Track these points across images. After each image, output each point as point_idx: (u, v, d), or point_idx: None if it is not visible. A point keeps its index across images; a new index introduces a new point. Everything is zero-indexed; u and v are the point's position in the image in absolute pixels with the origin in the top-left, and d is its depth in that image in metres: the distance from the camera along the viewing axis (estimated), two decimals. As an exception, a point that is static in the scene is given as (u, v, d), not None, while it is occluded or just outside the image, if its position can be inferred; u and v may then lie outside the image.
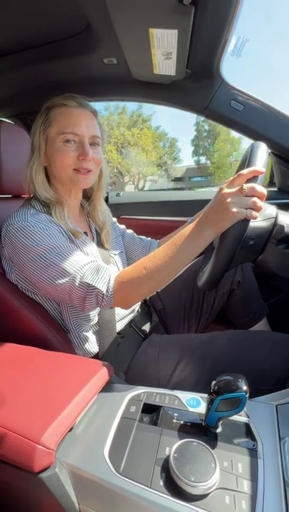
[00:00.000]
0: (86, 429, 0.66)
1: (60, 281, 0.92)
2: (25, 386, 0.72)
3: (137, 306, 1.31)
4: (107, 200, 2.25)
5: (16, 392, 0.70)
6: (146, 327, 1.25)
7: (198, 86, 1.40)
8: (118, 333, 1.14)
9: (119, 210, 2.15)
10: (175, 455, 0.54)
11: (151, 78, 1.36)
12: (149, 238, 1.45)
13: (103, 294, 0.90)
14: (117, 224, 1.44)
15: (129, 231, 1.45)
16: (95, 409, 0.71)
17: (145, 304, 1.42)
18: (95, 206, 1.25)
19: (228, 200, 0.77)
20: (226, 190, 0.79)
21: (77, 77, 1.44)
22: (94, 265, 0.94)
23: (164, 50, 1.06)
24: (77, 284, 0.91)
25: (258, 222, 0.87)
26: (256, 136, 1.45)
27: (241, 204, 0.76)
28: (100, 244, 1.22)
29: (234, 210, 0.76)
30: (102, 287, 0.90)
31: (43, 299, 1.07)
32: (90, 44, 1.16)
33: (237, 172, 0.91)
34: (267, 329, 1.44)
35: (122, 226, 1.45)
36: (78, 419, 0.66)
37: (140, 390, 0.75)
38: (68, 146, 1.03)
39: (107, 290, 0.90)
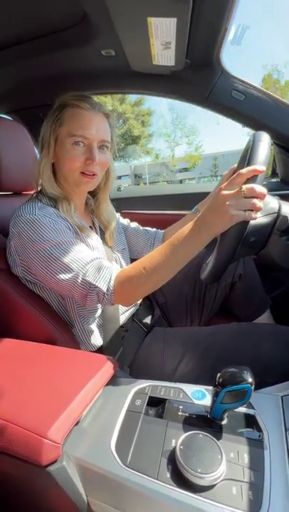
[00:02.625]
0: (92, 422, 0.67)
1: (62, 277, 0.93)
2: (31, 381, 0.73)
3: (139, 300, 1.32)
4: None
5: (22, 387, 0.71)
6: (149, 321, 1.26)
7: (198, 76, 1.39)
8: (121, 327, 1.16)
9: (120, 204, 2.15)
10: (181, 447, 0.55)
11: (150, 69, 1.36)
12: (154, 229, 1.45)
13: (104, 293, 0.92)
14: (121, 219, 1.45)
15: (133, 224, 1.46)
16: (101, 403, 0.72)
17: (147, 298, 1.43)
18: (100, 205, 1.26)
19: (227, 202, 0.76)
20: (225, 192, 0.78)
21: (75, 70, 1.43)
22: (96, 263, 0.95)
23: (162, 40, 1.05)
24: (79, 282, 0.92)
25: (259, 218, 0.87)
26: (258, 126, 1.44)
27: (240, 206, 0.76)
28: (104, 240, 1.23)
29: (232, 213, 0.76)
30: (103, 286, 0.92)
31: (48, 292, 1.08)
32: (87, 36, 1.16)
33: (238, 166, 0.91)
34: (270, 322, 1.45)
35: (126, 220, 1.46)
36: (84, 413, 0.67)
37: (145, 384, 0.76)
38: (77, 148, 1.04)
39: (107, 289, 0.92)
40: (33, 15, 1.07)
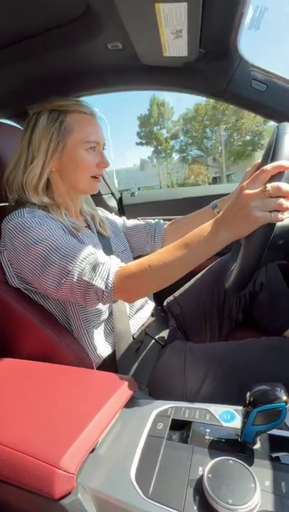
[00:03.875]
0: (110, 449, 0.66)
1: (61, 280, 0.95)
2: (40, 405, 0.73)
3: (150, 309, 1.34)
4: (121, 201, 2.26)
5: (31, 412, 0.71)
6: (164, 334, 1.26)
7: (214, 67, 1.38)
8: (134, 339, 1.17)
9: (135, 211, 2.15)
10: (209, 475, 0.53)
11: (161, 62, 1.35)
12: (155, 220, 1.48)
13: (103, 291, 0.93)
14: (117, 218, 1.51)
15: (132, 220, 1.51)
16: (119, 427, 0.71)
17: (162, 310, 1.44)
18: (81, 201, 1.32)
19: (250, 203, 0.76)
20: (248, 192, 0.77)
21: (79, 68, 1.44)
22: (92, 259, 0.96)
23: (173, 28, 1.05)
24: (75, 281, 0.94)
25: (287, 219, 0.86)
26: (283, 119, 1.42)
27: (265, 207, 0.75)
28: (100, 234, 1.29)
29: (257, 214, 0.75)
30: (101, 284, 0.93)
31: (48, 300, 1.11)
32: (90, 29, 1.16)
33: (262, 161, 0.90)
34: None
35: (122, 218, 1.52)
36: (100, 438, 0.66)
37: (167, 405, 0.74)
38: (91, 153, 1.13)
39: (106, 286, 0.93)
40: (32, 11, 1.08)
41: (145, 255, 0.97)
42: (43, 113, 1.11)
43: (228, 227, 0.81)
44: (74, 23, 1.13)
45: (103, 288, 0.93)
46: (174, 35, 1.10)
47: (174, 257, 0.88)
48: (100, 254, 1.00)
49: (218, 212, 1.24)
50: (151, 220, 1.48)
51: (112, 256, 1.04)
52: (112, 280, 0.94)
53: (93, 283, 0.93)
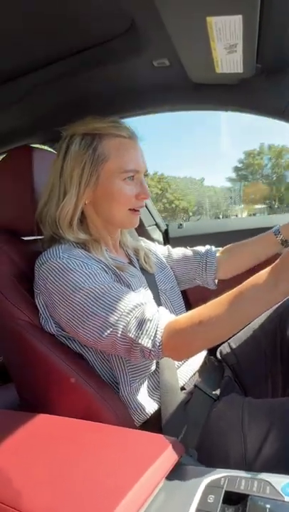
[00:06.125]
0: (152, 526, 0.64)
1: (102, 334, 0.96)
2: (72, 470, 0.72)
3: (201, 358, 1.31)
4: (167, 233, 2.28)
5: (61, 477, 0.70)
6: (217, 386, 1.23)
7: (272, 83, 1.39)
8: (182, 389, 1.15)
9: (183, 244, 2.15)
10: None
11: (213, 79, 1.38)
12: (207, 246, 1.46)
13: (149, 350, 0.93)
14: (159, 247, 1.50)
15: (178, 249, 1.50)
16: (162, 499, 0.68)
17: (215, 359, 1.41)
18: (124, 233, 1.33)
19: None
20: None
21: (123, 87, 1.50)
22: (139, 313, 0.96)
23: (226, 43, 1.07)
24: (119, 336, 0.94)
25: None
26: None
27: None
28: (144, 270, 1.28)
29: None
30: (148, 343, 0.93)
31: (88, 349, 1.11)
32: (135, 46, 1.20)
33: None
34: None
35: (166, 248, 1.51)
36: (141, 512, 0.64)
37: (220, 474, 0.71)
38: (129, 183, 1.12)
39: (153, 345, 0.93)
40: (73, 28, 1.14)
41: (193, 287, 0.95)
42: (75, 138, 1.12)
43: (287, 281, 0.80)
44: (117, 39, 1.17)
45: (150, 347, 0.93)
46: (227, 50, 1.11)
47: (227, 311, 0.86)
48: (148, 307, 0.99)
49: (282, 240, 1.23)
50: (200, 248, 1.47)
51: (160, 308, 1.03)
52: (160, 338, 0.94)
53: (139, 341, 0.93)
